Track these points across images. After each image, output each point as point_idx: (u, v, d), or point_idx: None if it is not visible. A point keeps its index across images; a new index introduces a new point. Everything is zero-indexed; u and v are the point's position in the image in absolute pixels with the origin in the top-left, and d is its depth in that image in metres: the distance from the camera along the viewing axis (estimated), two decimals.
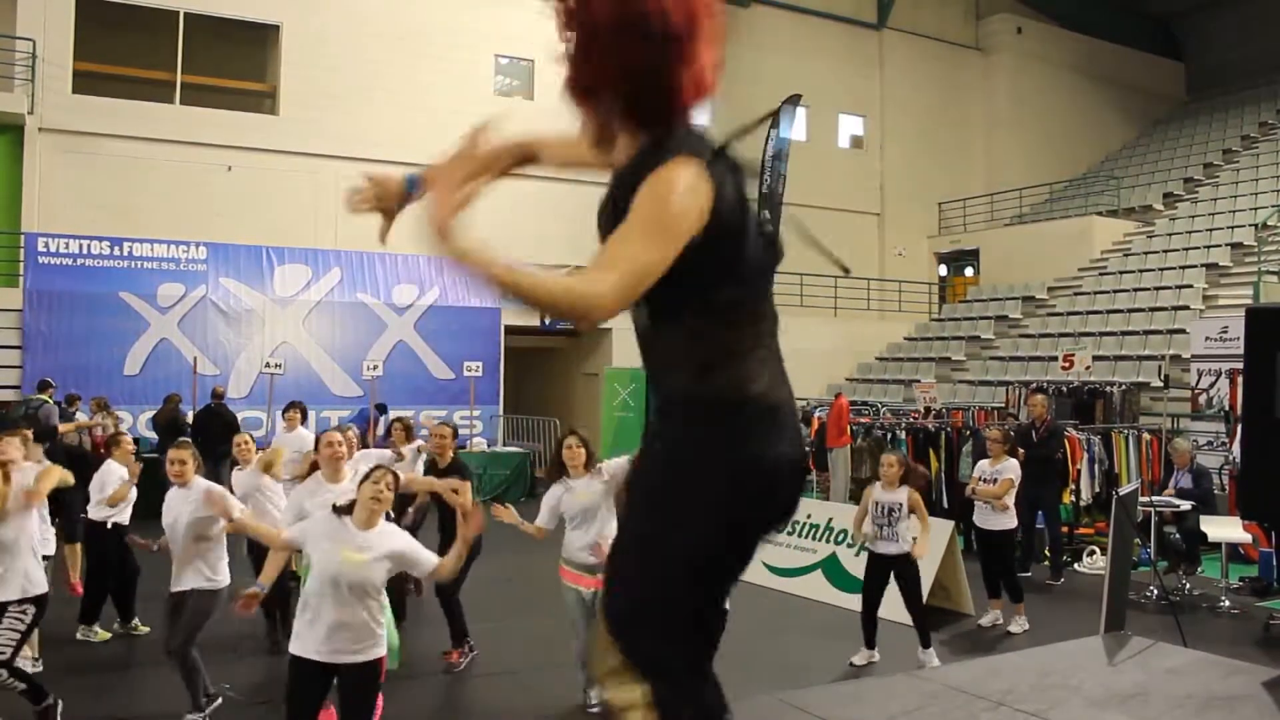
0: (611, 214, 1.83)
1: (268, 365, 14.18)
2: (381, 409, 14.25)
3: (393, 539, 4.20)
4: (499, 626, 6.72)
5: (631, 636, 1.82)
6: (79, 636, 6.90)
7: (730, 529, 1.87)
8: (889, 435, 12.84)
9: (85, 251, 14.63)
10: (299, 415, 9.02)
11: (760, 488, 1.87)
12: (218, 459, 9.78)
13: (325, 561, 4.02)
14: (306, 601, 4.07)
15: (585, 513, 5.41)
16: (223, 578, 5.48)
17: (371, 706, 4.23)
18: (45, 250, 14.41)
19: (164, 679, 5.48)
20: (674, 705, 1.81)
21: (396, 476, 4.28)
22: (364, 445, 13.04)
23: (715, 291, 1.83)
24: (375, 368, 14.69)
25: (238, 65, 18.40)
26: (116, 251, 14.81)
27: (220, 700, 5.47)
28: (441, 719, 5.91)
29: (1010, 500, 7.62)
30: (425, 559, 4.24)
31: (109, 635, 7.03)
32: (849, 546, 8.04)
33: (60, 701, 5.10)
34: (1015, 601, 7.49)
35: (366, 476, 4.18)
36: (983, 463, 7.99)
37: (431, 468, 6.85)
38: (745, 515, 1.88)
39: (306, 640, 4.02)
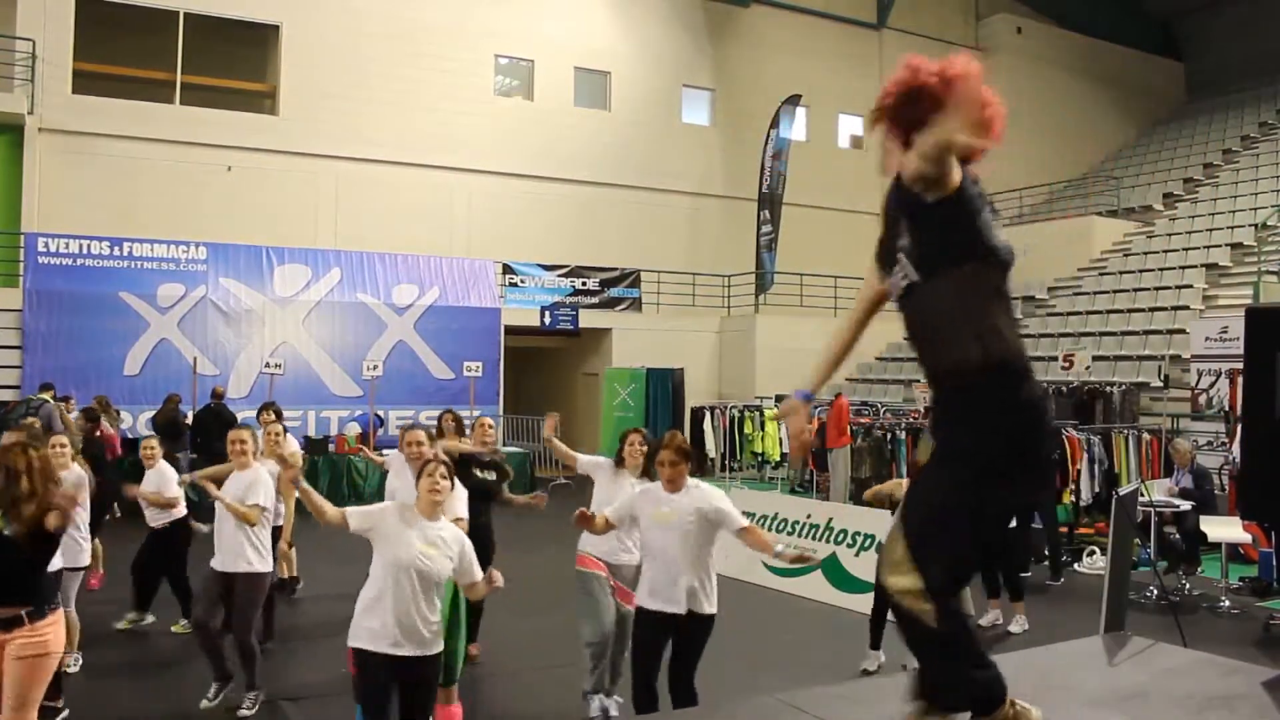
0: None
1: (267, 365, 14.18)
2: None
3: (463, 538, 4.23)
4: (498, 627, 6.72)
5: (928, 546, 2.43)
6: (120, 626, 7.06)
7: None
8: (889, 435, 12.85)
9: (85, 251, 14.62)
10: (274, 418, 8.92)
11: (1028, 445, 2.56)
12: (216, 458, 9.75)
13: (400, 551, 4.02)
14: (373, 594, 4.05)
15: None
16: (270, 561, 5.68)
17: (431, 702, 4.26)
18: (45, 250, 14.40)
19: (195, 673, 5.50)
20: (945, 599, 2.42)
21: (449, 466, 4.27)
22: (364, 446, 13.03)
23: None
24: (375, 368, 14.69)
25: (237, 65, 18.41)
26: (116, 251, 14.80)
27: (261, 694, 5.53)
28: None
29: None
30: (475, 571, 4.24)
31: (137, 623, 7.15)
32: (849, 547, 8.04)
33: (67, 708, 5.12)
34: (1014, 600, 7.50)
35: (420, 471, 4.22)
36: None
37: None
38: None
39: (375, 633, 4.00)
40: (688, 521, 4.40)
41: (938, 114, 2.50)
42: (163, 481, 7.00)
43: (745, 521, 4.47)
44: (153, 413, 13.02)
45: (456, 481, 4.58)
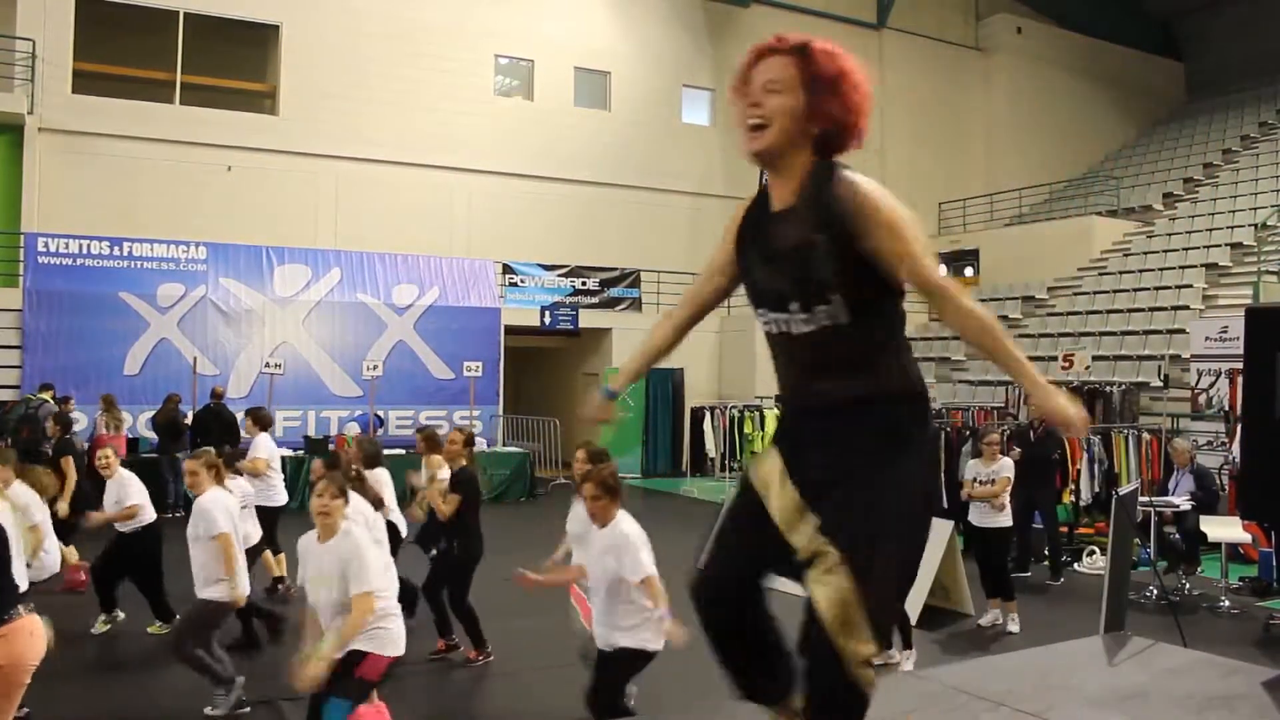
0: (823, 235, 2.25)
1: (267, 365, 14.17)
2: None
3: (346, 556, 4.23)
4: (497, 628, 6.71)
5: (889, 607, 2.23)
6: (95, 630, 6.99)
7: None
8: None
9: (85, 251, 14.62)
10: (252, 422, 8.88)
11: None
12: None
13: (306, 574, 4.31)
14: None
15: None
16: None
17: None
18: (45, 250, 14.40)
19: (179, 676, 5.49)
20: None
21: (342, 489, 4.35)
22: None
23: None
24: (375, 368, 14.68)
25: (238, 65, 18.41)
26: (116, 251, 14.80)
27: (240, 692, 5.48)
28: None
29: (1006, 499, 7.67)
30: (355, 586, 4.23)
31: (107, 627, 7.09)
32: None
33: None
34: (1006, 600, 7.50)
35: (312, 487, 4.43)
36: (974, 463, 8.01)
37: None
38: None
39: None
40: (604, 559, 4.36)
41: (845, 119, 2.33)
42: (123, 491, 6.89)
43: (648, 574, 4.29)
44: (152, 413, 13.01)
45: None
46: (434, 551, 6.76)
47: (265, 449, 8.33)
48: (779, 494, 2.33)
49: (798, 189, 2.31)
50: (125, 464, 7.34)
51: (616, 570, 4.32)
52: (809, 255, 2.23)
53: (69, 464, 8.90)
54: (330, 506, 4.21)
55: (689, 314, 2.63)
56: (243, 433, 10.01)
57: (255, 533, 7.18)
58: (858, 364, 2.27)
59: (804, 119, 2.29)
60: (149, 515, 6.97)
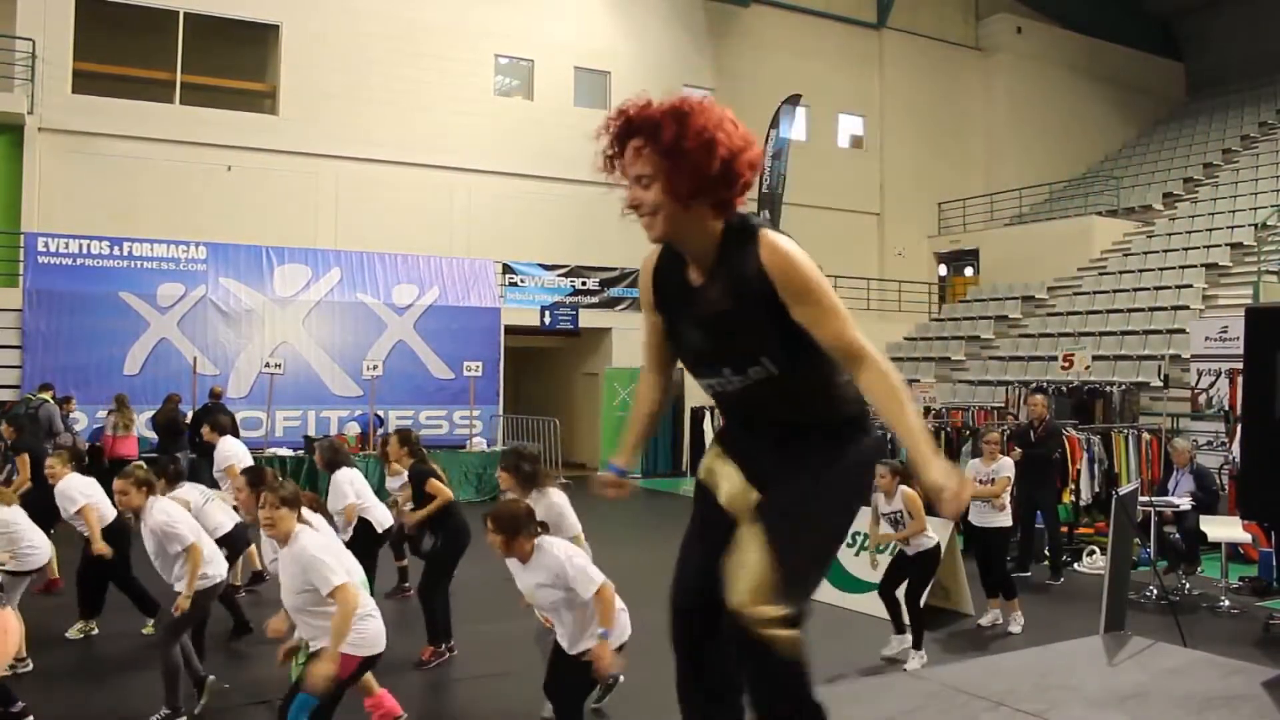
0: (745, 299, 2.24)
1: (267, 365, 14.18)
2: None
3: (302, 561, 4.29)
4: (496, 628, 6.71)
5: (793, 569, 2.21)
6: (70, 635, 6.91)
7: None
8: (889, 435, 12.83)
9: (85, 251, 14.62)
10: (211, 430, 8.80)
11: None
12: (211, 457, 9.74)
13: None
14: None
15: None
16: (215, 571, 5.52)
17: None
18: (45, 250, 14.40)
19: (155, 680, 5.48)
20: (801, 629, 2.23)
21: (285, 499, 4.33)
22: (363, 448, 13.02)
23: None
24: (375, 368, 14.69)
25: (238, 65, 18.40)
26: (116, 251, 14.80)
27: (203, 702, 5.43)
28: None
29: (1006, 499, 7.67)
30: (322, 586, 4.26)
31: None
32: (849, 546, 8.04)
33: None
34: (1008, 599, 7.51)
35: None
36: (975, 463, 8.02)
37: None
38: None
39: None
40: (550, 591, 4.28)
41: (716, 173, 2.18)
42: (64, 500, 6.69)
43: (599, 583, 4.24)
44: (152, 413, 13.02)
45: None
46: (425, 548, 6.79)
47: (233, 453, 8.33)
48: (726, 476, 2.44)
49: (715, 258, 2.27)
50: (124, 463, 7.32)
51: (566, 597, 4.25)
52: (736, 326, 2.24)
53: (24, 463, 8.99)
54: (274, 517, 4.24)
55: (661, 377, 2.68)
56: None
57: (227, 522, 7.03)
58: (794, 404, 2.33)
59: (684, 196, 2.18)
60: (108, 514, 6.78)
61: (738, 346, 2.27)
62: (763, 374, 2.27)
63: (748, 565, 2.19)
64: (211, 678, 5.55)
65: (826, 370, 2.31)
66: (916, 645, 6.42)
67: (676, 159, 2.16)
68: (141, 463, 6.10)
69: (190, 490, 6.91)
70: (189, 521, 5.58)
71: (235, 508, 6.95)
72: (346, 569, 4.36)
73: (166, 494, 6.00)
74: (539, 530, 4.40)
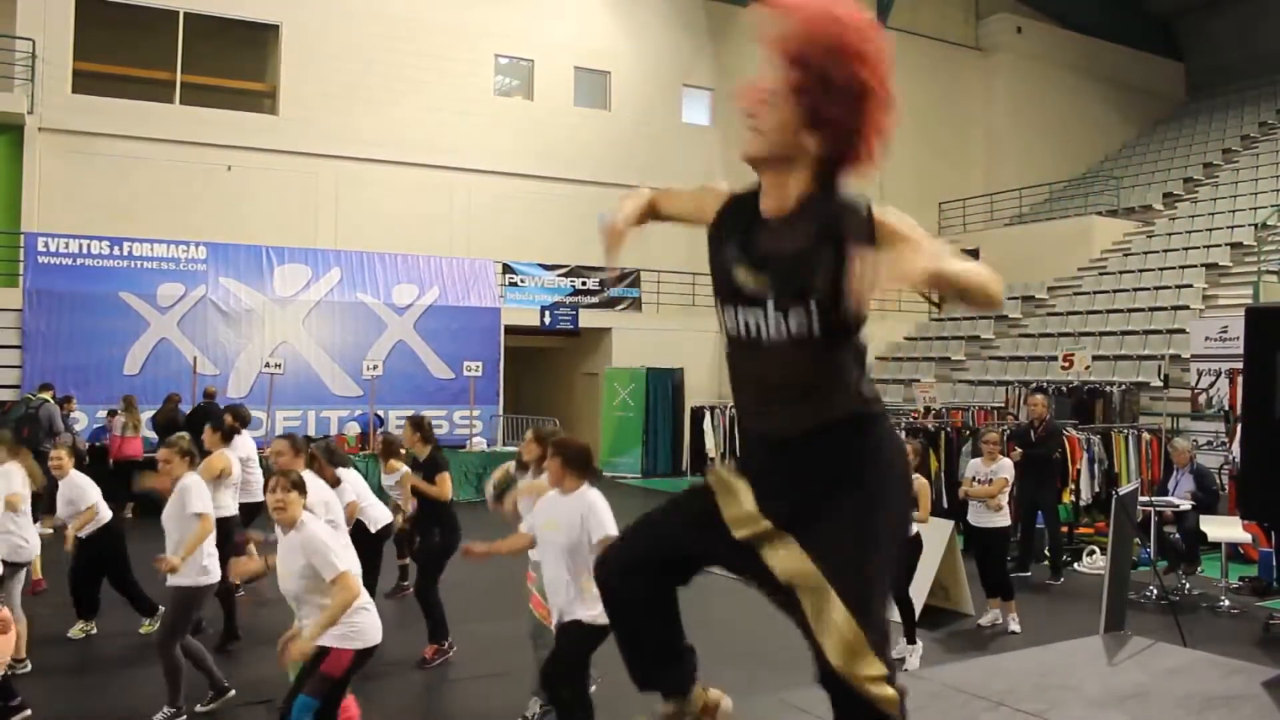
0: (826, 247, 2.12)
1: (267, 365, 14.18)
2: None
3: (306, 546, 4.33)
4: (493, 628, 6.71)
5: (876, 617, 2.14)
6: (72, 635, 6.91)
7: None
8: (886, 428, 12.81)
9: (85, 251, 14.62)
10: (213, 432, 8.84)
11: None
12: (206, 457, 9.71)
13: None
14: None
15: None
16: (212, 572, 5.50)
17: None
18: (45, 250, 14.40)
19: (154, 678, 5.48)
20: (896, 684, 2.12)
21: (295, 484, 4.36)
22: (364, 448, 13.01)
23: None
24: (375, 367, 14.69)
25: (238, 65, 18.41)
26: (116, 251, 14.80)
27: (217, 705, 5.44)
28: None
29: (1004, 499, 7.66)
30: (324, 572, 4.29)
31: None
32: None
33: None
34: (1006, 599, 7.51)
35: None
36: (975, 462, 8.01)
37: (413, 464, 6.87)
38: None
39: None
40: (569, 520, 4.38)
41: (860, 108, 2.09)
42: (75, 492, 6.71)
43: (610, 534, 4.17)
44: (152, 412, 13.02)
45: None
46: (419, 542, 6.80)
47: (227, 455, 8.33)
48: (736, 494, 2.32)
49: (798, 196, 2.23)
50: (129, 464, 7.29)
51: (580, 535, 4.29)
52: (802, 257, 2.16)
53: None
54: (284, 500, 4.26)
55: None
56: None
57: (231, 505, 6.98)
58: (818, 387, 2.22)
59: (798, 129, 2.15)
60: (104, 514, 6.81)
61: (796, 277, 2.15)
62: (799, 327, 2.15)
63: (835, 625, 2.09)
64: (233, 692, 5.54)
65: (858, 353, 2.25)
66: (910, 639, 6.40)
67: (818, 94, 2.11)
68: (185, 434, 6.11)
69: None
70: (209, 497, 5.66)
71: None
72: (349, 560, 4.39)
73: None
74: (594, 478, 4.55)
